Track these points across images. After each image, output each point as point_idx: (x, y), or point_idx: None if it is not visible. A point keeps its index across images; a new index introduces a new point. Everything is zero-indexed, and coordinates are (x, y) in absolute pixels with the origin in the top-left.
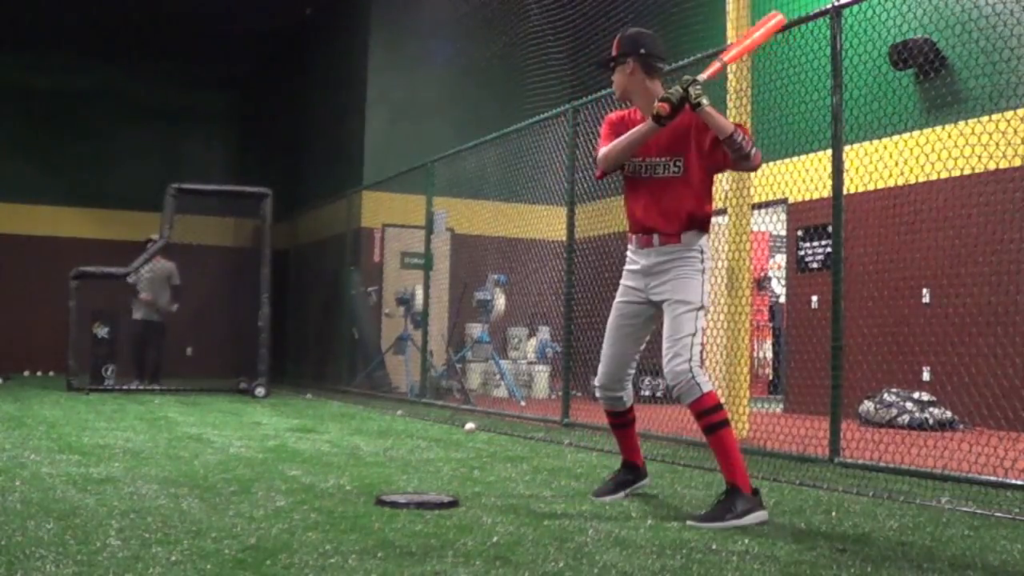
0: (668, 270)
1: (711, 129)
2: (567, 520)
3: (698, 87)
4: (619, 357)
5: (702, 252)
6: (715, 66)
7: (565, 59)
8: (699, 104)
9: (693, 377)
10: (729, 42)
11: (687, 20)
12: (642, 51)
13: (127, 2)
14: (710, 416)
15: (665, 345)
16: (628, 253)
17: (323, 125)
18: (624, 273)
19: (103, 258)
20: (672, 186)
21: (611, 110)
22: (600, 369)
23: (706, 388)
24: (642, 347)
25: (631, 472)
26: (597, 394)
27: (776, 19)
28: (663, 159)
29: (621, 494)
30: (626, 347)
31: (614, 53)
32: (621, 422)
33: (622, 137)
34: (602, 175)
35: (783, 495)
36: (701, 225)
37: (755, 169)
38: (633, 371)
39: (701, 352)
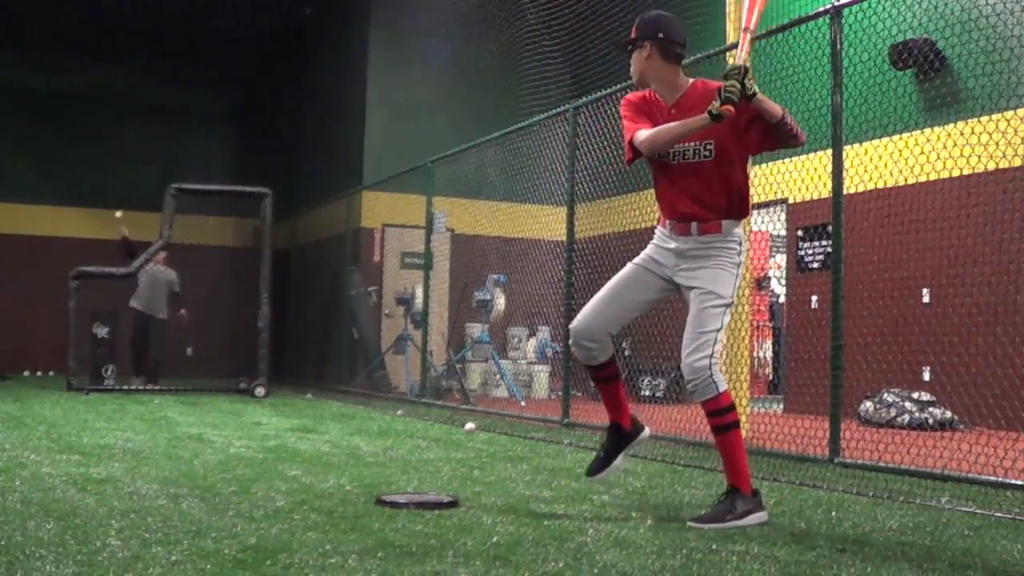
0: (705, 256)
1: (756, 112)
2: (567, 520)
3: (751, 78)
4: (607, 313)
5: (740, 244)
6: (746, 38)
7: (561, 58)
8: (754, 95)
9: (711, 375)
10: (729, 42)
11: (686, 20)
12: (660, 35)
13: (127, 2)
14: (722, 416)
15: (687, 336)
16: (658, 232)
17: (323, 125)
18: (651, 246)
19: (103, 258)
20: (703, 170)
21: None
22: (580, 314)
23: (722, 387)
24: (635, 316)
25: (617, 438)
26: (570, 341)
27: None
28: (693, 144)
29: (617, 461)
30: (619, 308)
31: (632, 36)
32: (602, 376)
33: (672, 125)
34: (633, 160)
35: (783, 495)
36: (740, 211)
37: (801, 145)
38: (614, 333)
39: (722, 350)
